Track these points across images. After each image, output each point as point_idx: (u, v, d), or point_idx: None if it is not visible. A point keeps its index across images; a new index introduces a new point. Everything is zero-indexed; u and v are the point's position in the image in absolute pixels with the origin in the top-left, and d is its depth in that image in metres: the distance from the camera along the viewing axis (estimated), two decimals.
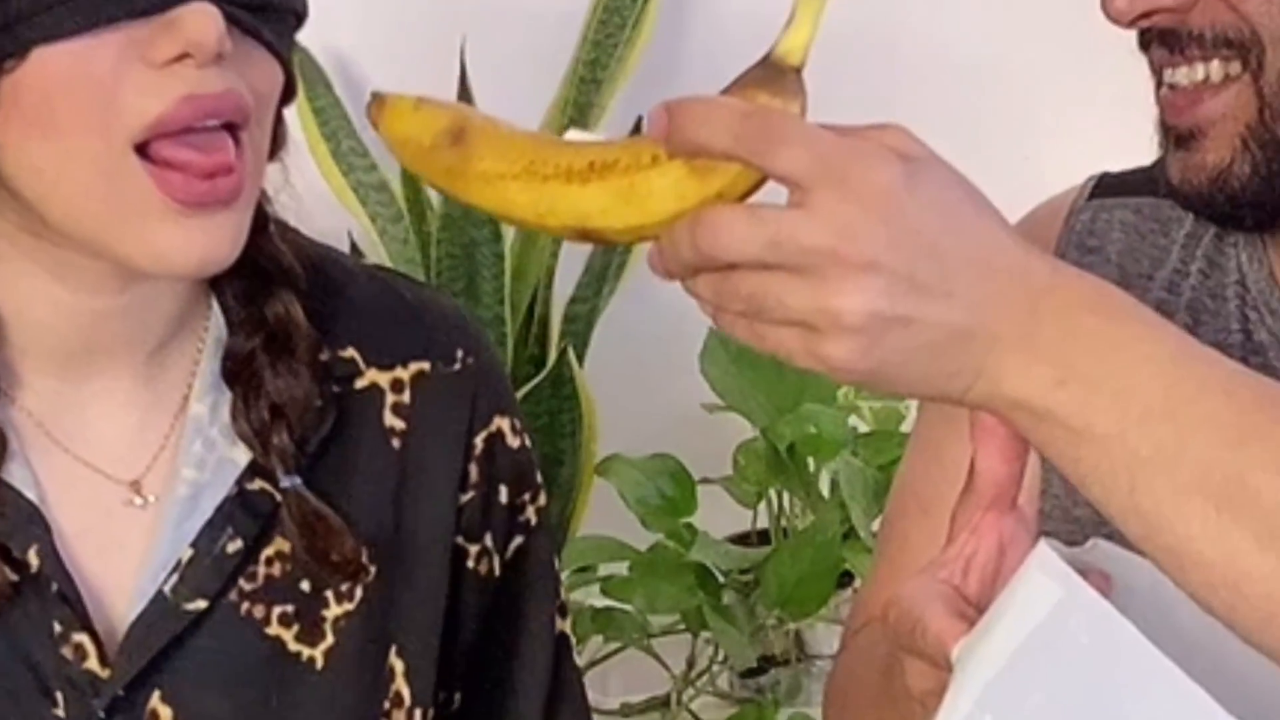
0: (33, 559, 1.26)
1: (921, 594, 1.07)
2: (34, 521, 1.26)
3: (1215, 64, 1.28)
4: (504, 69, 2.48)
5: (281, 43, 1.19)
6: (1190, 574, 1.00)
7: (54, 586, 1.27)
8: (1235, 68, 1.27)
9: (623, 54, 2.45)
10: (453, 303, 1.54)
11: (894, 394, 1.21)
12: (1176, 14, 1.27)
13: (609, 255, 2.52)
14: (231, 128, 1.13)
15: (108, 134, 1.13)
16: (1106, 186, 1.48)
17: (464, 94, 2.35)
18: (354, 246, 2.38)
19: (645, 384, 2.59)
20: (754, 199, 0.96)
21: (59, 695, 1.27)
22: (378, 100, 1.05)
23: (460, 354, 1.39)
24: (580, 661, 1.58)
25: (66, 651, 1.27)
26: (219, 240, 1.16)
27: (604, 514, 2.42)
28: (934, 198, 0.98)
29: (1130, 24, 1.27)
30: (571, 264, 2.50)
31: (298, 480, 1.28)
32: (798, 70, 0.98)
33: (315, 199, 2.24)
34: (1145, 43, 1.30)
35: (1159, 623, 1.03)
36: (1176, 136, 1.31)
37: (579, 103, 2.53)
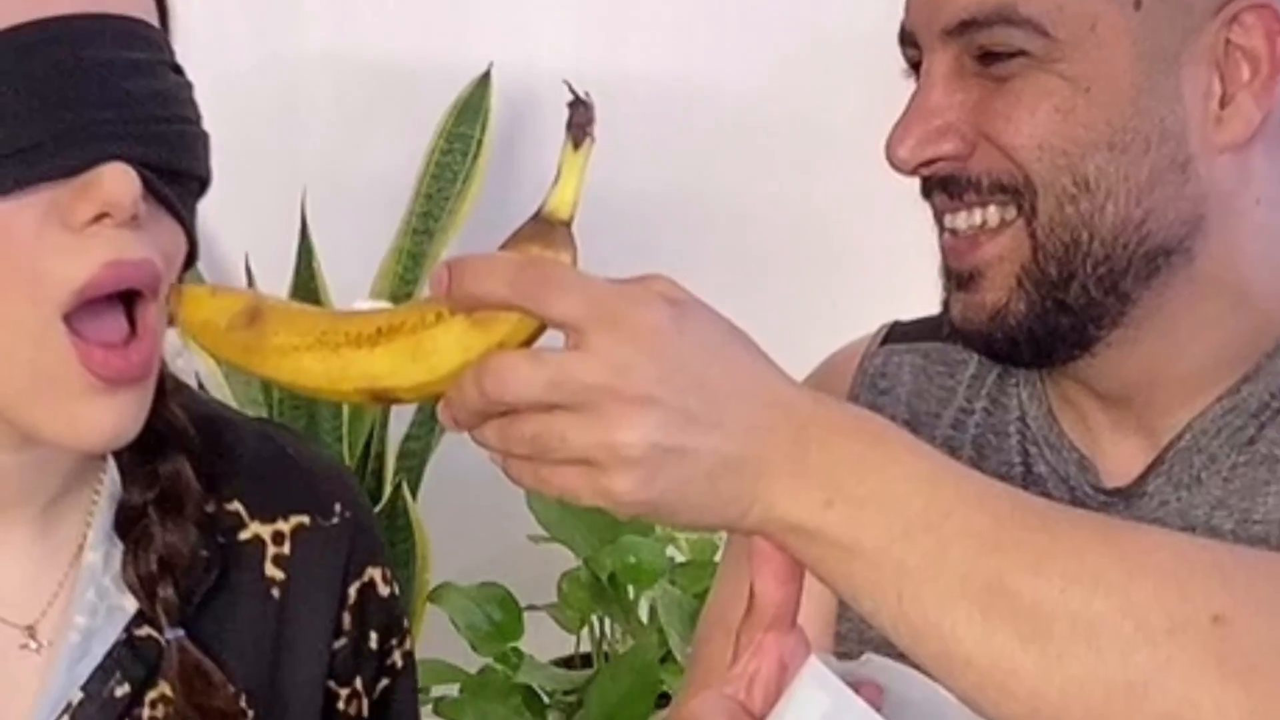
0: None
1: (709, 709, 1.09)
2: None
3: (992, 209, 1.32)
4: (343, 220, 2.56)
5: (189, 210, 1.21)
6: (959, 677, 1.04)
7: None
8: (1010, 212, 1.30)
9: (453, 206, 2.54)
10: (331, 459, 1.59)
11: (676, 524, 1.24)
12: (956, 162, 1.32)
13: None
14: (138, 295, 1.15)
15: (36, 302, 1.14)
16: (898, 333, 1.53)
17: (304, 244, 2.45)
18: (201, 385, 2.24)
19: (475, 517, 2.59)
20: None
21: None
22: (175, 291, 1.12)
23: (338, 508, 1.42)
24: None
25: None
26: (130, 416, 1.18)
27: (436, 638, 2.44)
28: (701, 337, 1.03)
29: (913, 171, 1.32)
30: (406, 405, 2.72)
31: (181, 633, 1.31)
32: (566, 224, 1.03)
33: (165, 341, 2.34)
34: (927, 191, 1.34)
35: (927, 709, 1.12)
36: (958, 278, 1.34)
37: (413, 252, 2.59)
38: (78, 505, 1.33)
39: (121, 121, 1.19)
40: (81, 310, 1.12)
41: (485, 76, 2.55)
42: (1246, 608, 1.04)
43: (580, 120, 1.04)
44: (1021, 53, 1.28)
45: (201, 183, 1.21)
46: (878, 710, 1.07)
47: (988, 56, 1.29)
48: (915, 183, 1.33)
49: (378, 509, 2.41)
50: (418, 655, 2.28)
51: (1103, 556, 1.05)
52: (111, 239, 1.11)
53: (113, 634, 1.29)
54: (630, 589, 2.46)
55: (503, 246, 1.03)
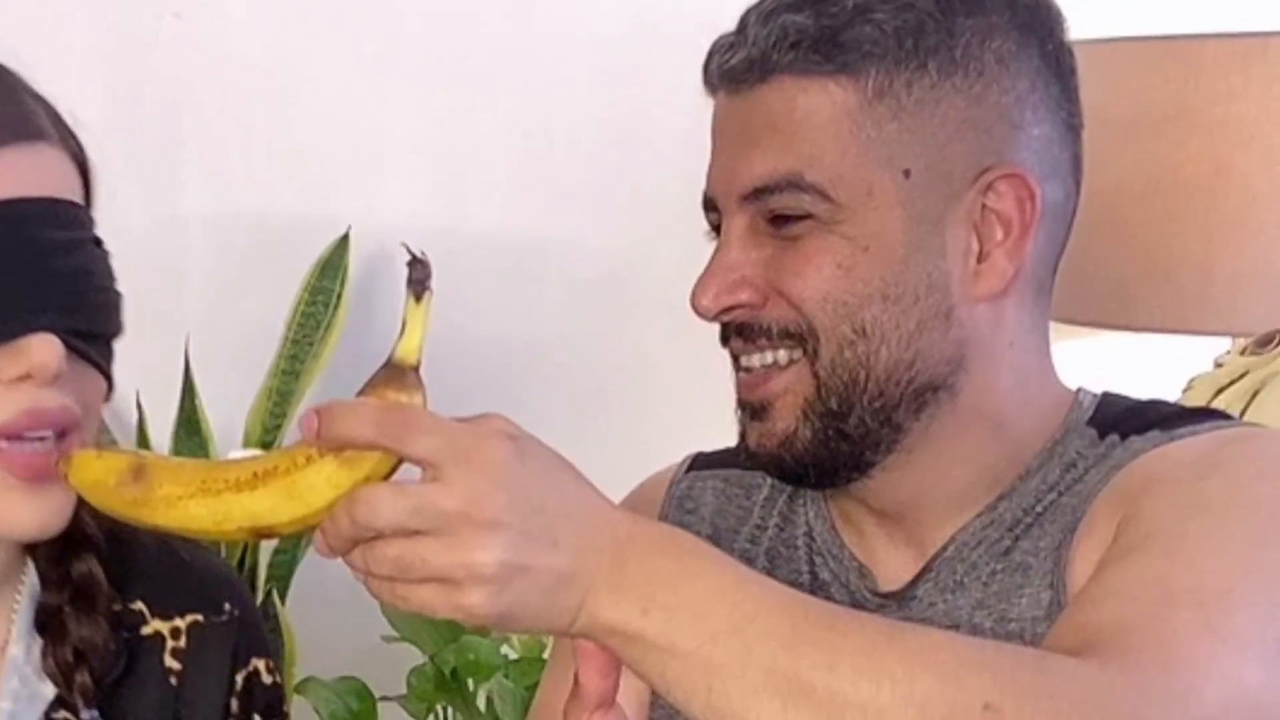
0: None
1: None
2: None
3: (781, 351, 1.46)
4: (221, 363, 2.63)
5: (106, 360, 1.39)
6: None
7: None
8: (797, 354, 1.45)
9: (317, 351, 2.60)
10: (222, 563, 1.75)
11: (515, 630, 1.29)
12: (750, 310, 1.46)
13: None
14: (63, 434, 1.33)
15: None
16: (700, 461, 1.69)
17: (188, 383, 2.52)
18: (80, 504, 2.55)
19: (336, 619, 2.62)
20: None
21: None
22: (64, 457, 1.26)
23: (227, 606, 1.57)
24: None
25: None
26: (57, 509, 1.34)
27: None
28: (539, 468, 1.17)
29: (714, 318, 1.48)
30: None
31: (95, 714, 1.46)
32: (415, 368, 1.19)
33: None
34: (725, 336, 1.50)
35: None
36: (751, 410, 1.50)
37: (282, 390, 2.63)
38: (2, 605, 1.49)
39: (48, 296, 1.34)
40: (10, 440, 1.32)
41: (344, 238, 2.61)
42: (1013, 696, 1.18)
43: (419, 276, 1.18)
44: (808, 215, 1.42)
45: (115, 336, 1.38)
46: None
47: (779, 219, 1.43)
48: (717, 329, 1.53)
49: (246, 619, 2.60)
50: None
51: (887, 654, 1.18)
52: (31, 391, 1.30)
53: (34, 717, 1.46)
54: (470, 682, 2.49)
55: (361, 391, 1.18)
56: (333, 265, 2.57)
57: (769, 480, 1.63)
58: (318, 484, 1.18)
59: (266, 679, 1.60)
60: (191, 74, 2.70)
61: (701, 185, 1.52)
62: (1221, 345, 2.15)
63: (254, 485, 1.19)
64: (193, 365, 2.50)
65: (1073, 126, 1.51)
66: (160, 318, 2.53)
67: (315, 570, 2.55)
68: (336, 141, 2.79)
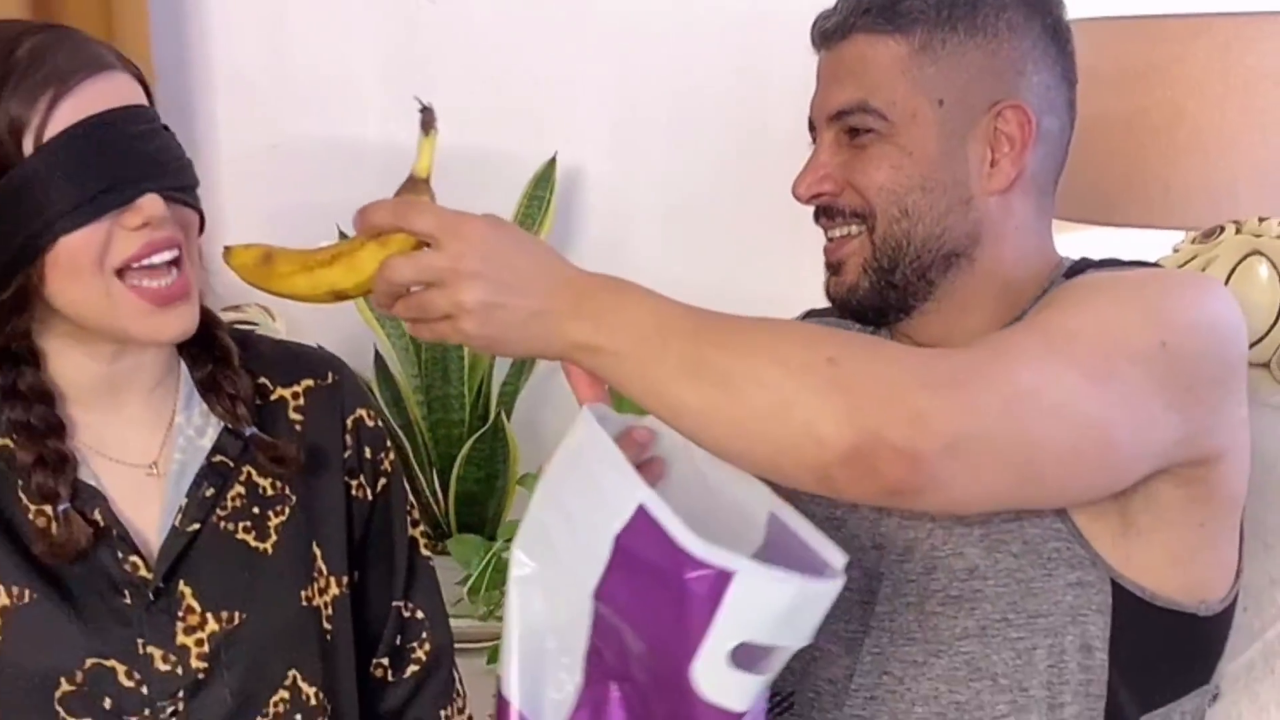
0: (99, 517, 1.66)
1: None
2: (96, 497, 1.68)
3: (851, 226, 1.71)
4: None
5: (194, 202, 1.63)
6: (683, 423, 1.41)
7: (114, 532, 1.67)
8: (861, 228, 1.70)
9: (534, 232, 2.82)
10: (323, 350, 1.93)
11: (509, 354, 1.62)
12: (831, 196, 1.71)
13: (523, 361, 2.90)
14: (176, 264, 1.58)
15: (104, 271, 1.56)
16: (811, 314, 1.96)
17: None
18: (377, 353, 2.85)
19: (545, 430, 2.99)
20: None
21: (125, 591, 1.67)
22: (226, 250, 1.47)
23: (330, 374, 1.83)
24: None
25: (126, 566, 1.67)
26: (184, 320, 1.61)
27: (522, 509, 2.55)
28: (512, 239, 1.40)
29: (806, 202, 1.73)
30: (503, 364, 2.95)
31: (255, 430, 1.74)
32: (425, 180, 1.42)
33: (361, 326, 2.69)
34: (816, 215, 1.75)
35: (691, 452, 1.54)
36: (831, 268, 1.75)
37: None
38: (168, 389, 1.75)
39: (145, 169, 1.58)
40: (139, 270, 1.56)
41: (552, 160, 2.89)
42: (850, 354, 1.39)
43: (427, 119, 1.42)
44: (872, 130, 1.67)
45: (195, 183, 1.63)
46: (641, 443, 1.55)
47: (852, 132, 1.69)
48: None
49: (486, 427, 2.80)
50: (509, 518, 2.80)
51: (761, 334, 1.40)
52: (147, 232, 1.56)
53: (198, 463, 1.72)
54: None
55: (397, 194, 1.43)
56: (544, 179, 2.87)
57: (854, 328, 1.83)
58: (365, 260, 1.41)
59: (369, 423, 1.83)
60: (443, 42, 2.99)
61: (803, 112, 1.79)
62: (1177, 236, 2.21)
63: (330, 264, 1.43)
64: None
65: (1068, 79, 1.72)
66: None
67: (531, 395, 2.99)
68: (547, 92, 3.04)
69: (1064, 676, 1.64)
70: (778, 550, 1.47)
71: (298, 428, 1.77)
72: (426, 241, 1.38)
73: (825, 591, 1.38)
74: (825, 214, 1.72)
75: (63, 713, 1.61)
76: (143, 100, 1.60)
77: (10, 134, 1.51)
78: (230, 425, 1.71)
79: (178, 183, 1.58)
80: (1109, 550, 1.63)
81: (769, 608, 1.36)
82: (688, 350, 1.36)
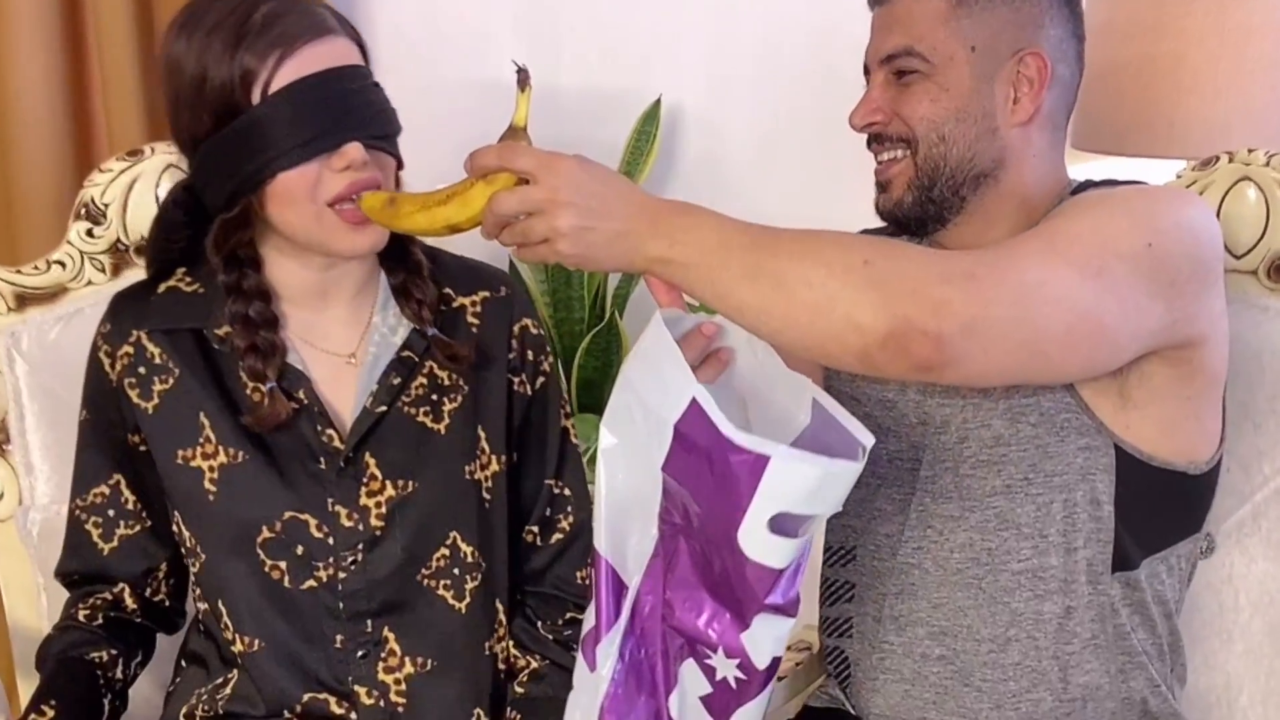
0: (303, 396, 1.83)
1: None
2: (302, 379, 1.84)
3: (897, 151, 1.82)
4: None
5: (393, 148, 1.75)
6: (744, 318, 1.52)
7: (315, 408, 1.83)
8: (905, 152, 1.81)
9: (640, 169, 3.03)
10: (497, 268, 2.01)
11: (600, 269, 1.71)
12: (881, 125, 1.82)
13: None
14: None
15: (315, 202, 1.71)
16: (865, 232, 1.99)
17: None
18: (511, 263, 2.93)
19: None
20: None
21: (321, 458, 1.83)
22: (360, 196, 1.63)
23: (502, 288, 1.96)
24: None
25: (323, 437, 1.83)
26: (376, 235, 1.75)
27: None
28: (598, 174, 1.50)
29: (860, 130, 1.86)
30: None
31: (436, 330, 1.88)
32: (523, 128, 1.52)
33: (497, 244, 2.60)
34: (868, 142, 1.87)
35: (754, 345, 1.64)
36: (879, 186, 1.86)
37: None
38: (368, 293, 1.90)
39: (352, 120, 1.70)
40: (342, 203, 1.71)
41: (657, 101, 3.03)
42: (883, 255, 1.50)
43: (523, 78, 1.51)
44: (915, 71, 1.78)
45: (397, 131, 1.76)
46: (709, 336, 1.63)
47: (899, 74, 1.80)
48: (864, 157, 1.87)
49: (601, 325, 2.92)
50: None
51: (807, 242, 1.51)
52: (351, 174, 1.71)
53: (389, 356, 1.86)
54: None
55: (499, 141, 1.52)
56: (650, 116, 3.02)
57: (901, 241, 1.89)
58: (475, 196, 1.49)
59: (533, 331, 1.96)
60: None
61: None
62: (1180, 165, 2.21)
63: (445, 202, 1.52)
64: None
65: (1077, 35, 1.82)
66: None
67: (639, 300, 3.09)
68: (653, 41, 3.16)
69: (1076, 525, 1.80)
70: (820, 427, 1.56)
71: (473, 330, 1.91)
72: (526, 179, 1.49)
73: (847, 470, 1.47)
74: (876, 140, 1.82)
75: (263, 555, 1.82)
76: (358, 61, 1.74)
77: (242, 86, 1.66)
78: (416, 325, 1.85)
79: (379, 131, 1.72)
80: (1111, 419, 1.77)
81: (800, 485, 1.45)
82: (747, 259, 1.48)
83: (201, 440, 1.81)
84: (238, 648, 1.82)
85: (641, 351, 1.55)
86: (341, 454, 1.81)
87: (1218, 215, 1.96)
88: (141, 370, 1.82)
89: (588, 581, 1.98)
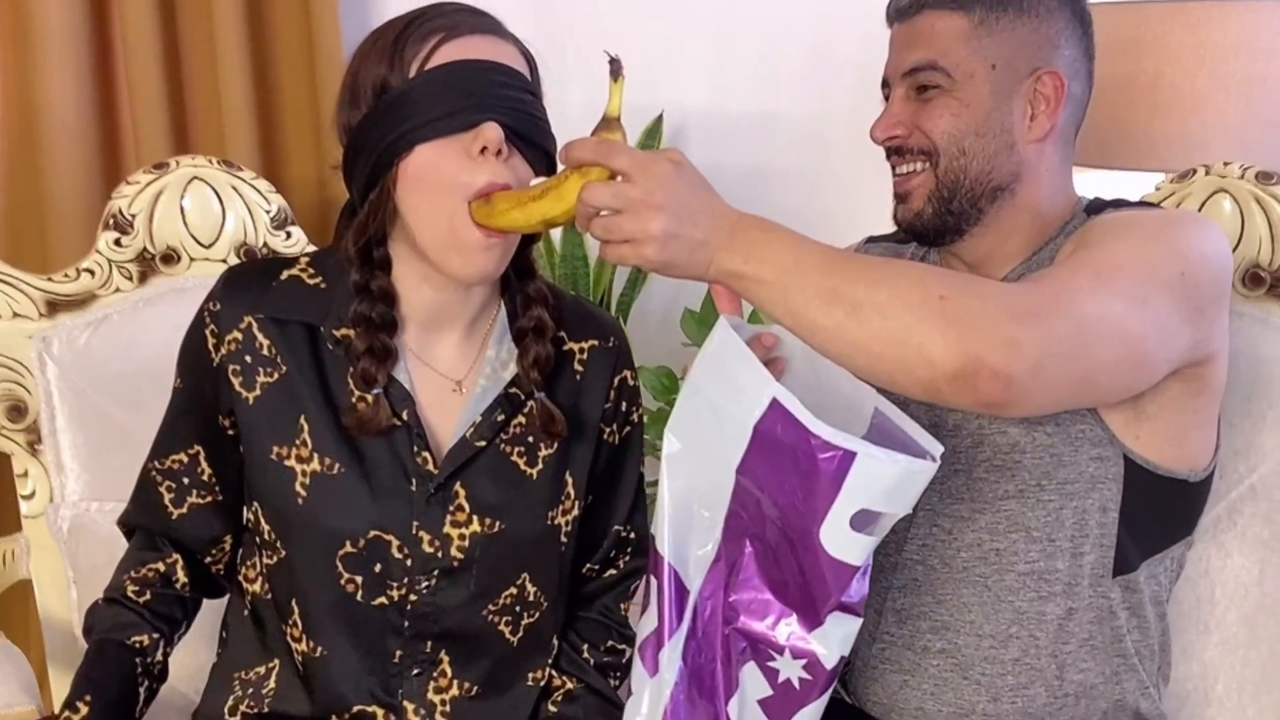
0: (405, 416, 1.77)
1: None
2: (406, 398, 1.77)
3: (917, 164, 1.81)
4: None
5: (533, 155, 1.68)
6: (814, 339, 1.50)
7: (415, 429, 1.77)
8: (925, 165, 1.80)
9: None
10: (610, 315, 2.06)
11: (676, 276, 1.53)
12: (902, 139, 1.81)
13: (637, 275, 3.04)
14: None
15: (453, 194, 1.63)
16: (872, 239, 2.08)
17: None
18: None
19: (657, 333, 3.14)
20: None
21: (413, 479, 1.78)
22: (470, 205, 1.57)
23: (612, 339, 1.91)
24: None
25: (419, 459, 1.78)
26: (496, 260, 1.68)
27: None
28: (690, 180, 1.48)
29: (881, 143, 1.84)
30: (620, 278, 3.04)
31: (542, 395, 1.81)
32: (617, 119, 1.50)
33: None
34: (888, 154, 1.85)
35: (810, 355, 1.60)
36: (899, 198, 1.85)
37: None
38: (485, 322, 1.83)
39: (493, 106, 1.64)
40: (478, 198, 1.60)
41: (659, 117, 3.01)
42: (958, 291, 1.48)
43: (615, 68, 1.49)
44: (938, 86, 1.78)
45: (546, 150, 1.69)
46: (768, 347, 1.61)
47: (920, 89, 1.79)
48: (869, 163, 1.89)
49: None
50: None
51: (886, 271, 1.50)
52: (489, 166, 1.62)
53: (497, 390, 1.81)
54: None
55: (593, 132, 1.50)
56: (653, 131, 3.00)
57: (910, 250, 1.99)
58: (569, 190, 1.48)
59: (630, 383, 1.95)
60: (574, 22, 3.10)
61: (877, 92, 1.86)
62: (1159, 178, 2.25)
63: (540, 197, 1.51)
64: None
65: (1089, 55, 1.83)
66: None
67: (644, 304, 3.12)
68: (658, 61, 3.07)
69: (1085, 531, 1.80)
70: (880, 438, 1.55)
71: (577, 377, 1.87)
72: (620, 174, 1.47)
73: (925, 470, 1.48)
74: (896, 153, 1.82)
75: (341, 568, 1.76)
76: (521, 69, 1.69)
77: (401, 62, 1.63)
78: (522, 391, 1.81)
79: (522, 129, 1.65)
80: (1122, 431, 1.78)
81: (882, 482, 1.45)
82: (822, 283, 1.46)
83: (298, 442, 1.77)
84: (301, 648, 1.81)
85: (710, 355, 1.53)
86: (434, 479, 1.77)
87: None
88: (248, 359, 1.77)
89: (630, 609, 2.00)
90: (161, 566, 1.88)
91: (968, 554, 1.83)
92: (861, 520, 1.46)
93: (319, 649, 1.79)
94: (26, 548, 2.28)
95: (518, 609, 1.84)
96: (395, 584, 1.77)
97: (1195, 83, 2.52)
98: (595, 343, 1.89)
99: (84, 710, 1.74)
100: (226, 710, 1.85)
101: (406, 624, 1.79)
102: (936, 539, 1.85)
